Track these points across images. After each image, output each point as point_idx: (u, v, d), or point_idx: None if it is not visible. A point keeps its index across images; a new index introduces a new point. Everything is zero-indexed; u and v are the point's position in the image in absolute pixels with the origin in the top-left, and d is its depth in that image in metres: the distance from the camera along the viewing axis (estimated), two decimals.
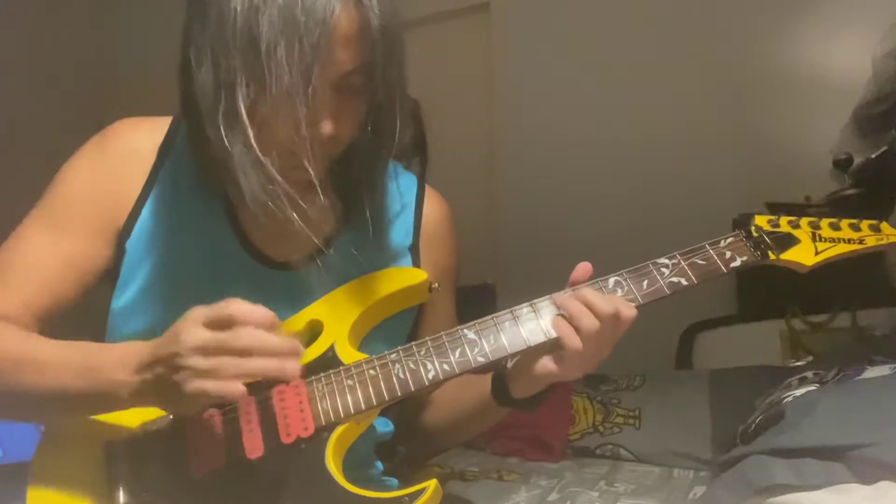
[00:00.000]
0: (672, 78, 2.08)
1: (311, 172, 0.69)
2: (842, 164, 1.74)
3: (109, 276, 0.82)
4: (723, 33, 2.02)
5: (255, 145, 0.67)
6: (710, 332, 1.98)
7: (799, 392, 1.16)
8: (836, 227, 0.81)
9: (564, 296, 0.74)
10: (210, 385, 0.62)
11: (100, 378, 0.69)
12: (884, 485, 0.83)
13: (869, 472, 0.87)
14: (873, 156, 1.37)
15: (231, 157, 0.68)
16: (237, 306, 0.64)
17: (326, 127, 0.68)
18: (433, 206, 0.94)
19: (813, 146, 1.88)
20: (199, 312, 0.65)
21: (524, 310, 0.76)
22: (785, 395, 1.18)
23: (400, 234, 0.89)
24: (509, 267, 2.31)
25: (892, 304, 1.62)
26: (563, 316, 0.73)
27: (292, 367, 0.64)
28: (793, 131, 1.93)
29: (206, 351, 0.63)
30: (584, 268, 0.76)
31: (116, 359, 0.69)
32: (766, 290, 1.86)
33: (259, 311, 0.64)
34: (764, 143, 1.96)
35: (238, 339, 0.63)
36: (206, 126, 0.68)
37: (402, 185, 0.91)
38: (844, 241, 0.80)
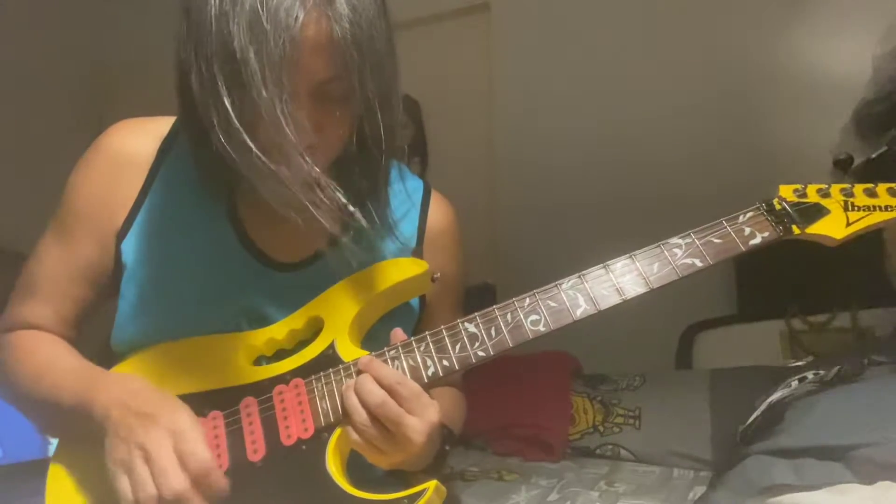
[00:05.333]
0: (672, 78, 2.08)
1: (313, 173, 0.68)
2: (842, 164, 1.74)
3: (115, 279, 0.82)
4: (723, 33, 2.02)
5: (257, 151, 0.65)
6: (710, 332, 1.98)
7: (799, 392, 1.16)
8: (872, 194, 0.72)
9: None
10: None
11: (90, 423, 0.72)
12: (884, 485, 0.83)
13: (869, 472, 0.86)
14: (873, 156, 1.37)
15: (238, 164, 0.67)
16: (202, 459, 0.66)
17: (307, 135, 0.67)
18: (440, 211, 0.93)
19: (813, 146, 1.88)
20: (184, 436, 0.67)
21: (526, 301, 0.74)
22: (785, 395, 1.18)
23: (404, 237, 0.89)
24: (509, 267, 2.31)
25: (892, 304, 1.62)
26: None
27: None
28: (793, 131, 1.93)
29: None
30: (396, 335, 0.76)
31: (104, 407, 0.71)
32: (766, 290, 1.86)
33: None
34: (764, 143, 1.95)
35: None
36: (210, 137, 0.67)
37: (409, 189, 0.91)
38: (881, 208, 0.71)
